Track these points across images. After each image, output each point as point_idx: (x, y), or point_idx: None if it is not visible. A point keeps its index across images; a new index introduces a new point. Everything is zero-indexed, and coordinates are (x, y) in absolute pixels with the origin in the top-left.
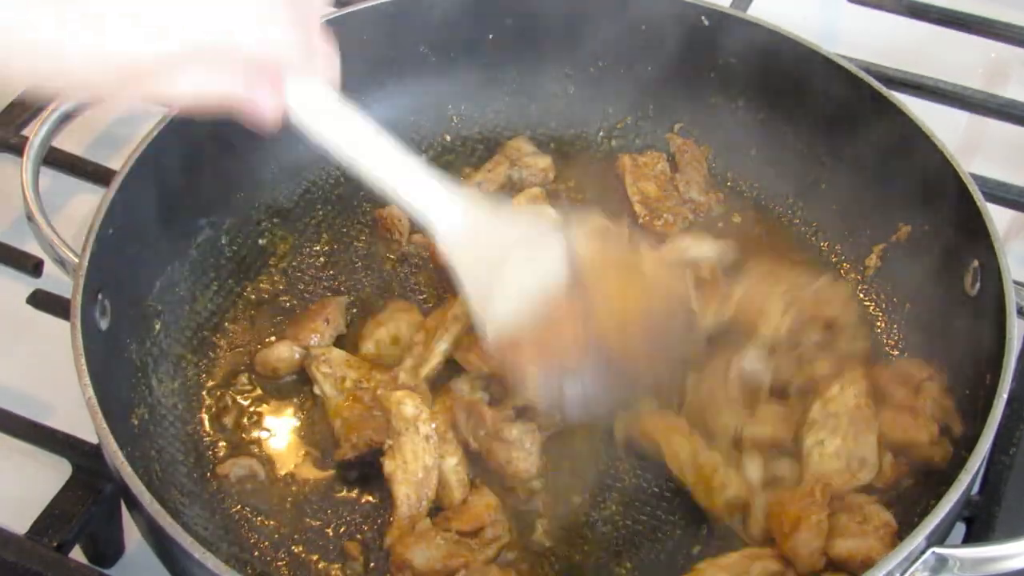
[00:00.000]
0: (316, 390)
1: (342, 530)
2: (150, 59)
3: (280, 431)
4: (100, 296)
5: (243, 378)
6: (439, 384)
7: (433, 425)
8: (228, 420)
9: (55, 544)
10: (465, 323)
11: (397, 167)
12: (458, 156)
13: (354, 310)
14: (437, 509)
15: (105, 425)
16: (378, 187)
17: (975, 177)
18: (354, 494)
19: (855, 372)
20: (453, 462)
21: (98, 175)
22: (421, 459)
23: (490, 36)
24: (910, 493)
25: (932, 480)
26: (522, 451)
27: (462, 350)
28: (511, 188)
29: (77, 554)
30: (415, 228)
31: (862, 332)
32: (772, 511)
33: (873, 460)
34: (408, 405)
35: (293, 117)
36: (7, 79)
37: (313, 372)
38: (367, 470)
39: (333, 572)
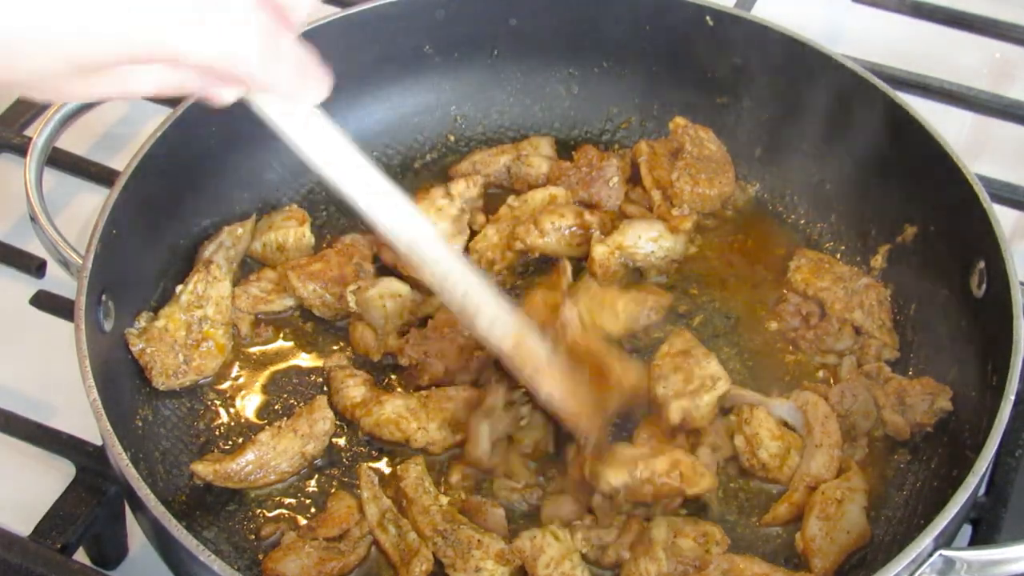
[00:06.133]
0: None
1: None
2: (104, 59)
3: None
4: (103, 297)
5: (247, 379)
6: None
7: None
8: (232, 421)
9: (59, 546)
10: None
11: (367, 186)
12: (461, 156)
13: None
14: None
15: (109, 426)
16: (348, 201)
17: (981, 178)
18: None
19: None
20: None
21: (101, 176)
22: None
23: (494, 36)
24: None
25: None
26: None
27: None
28: (508, 178)
29: (81, 556)
30: None
31: (891, 340)
32: None
33: None
34: None
35: (265, 119)
36: None
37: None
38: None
39: None
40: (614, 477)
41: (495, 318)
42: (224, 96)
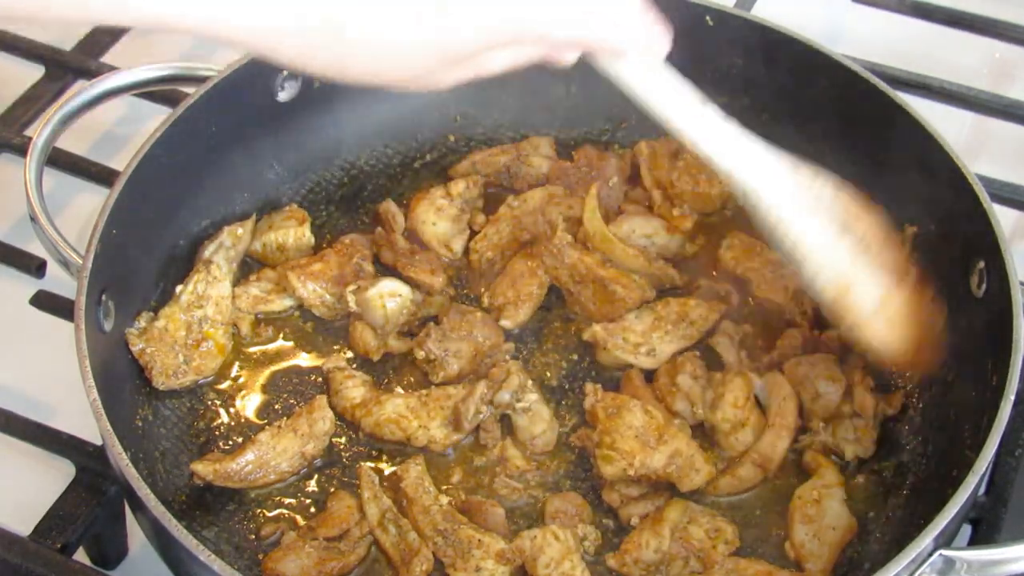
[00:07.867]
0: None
1: None
2: (474, 51)
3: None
4: (103, 297)
5: (247, 379)
6: None
7: None
8: (232, 421)
9: (59, 546)
10: None
11: (717, 136)
12: (461, 156)
13: None
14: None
15: (109, 426)
16: (698, 150)
17: (981, 178)
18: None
19: None
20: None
21: (101, 176)
22: None
23: None
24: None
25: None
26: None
27: None
28: (507, 178)
29: (81, 556)
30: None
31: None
32: None
33: None
34: None
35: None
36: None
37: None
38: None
39: None
40: (609, 471)
41: (820, 267)
42: (567, 59)
